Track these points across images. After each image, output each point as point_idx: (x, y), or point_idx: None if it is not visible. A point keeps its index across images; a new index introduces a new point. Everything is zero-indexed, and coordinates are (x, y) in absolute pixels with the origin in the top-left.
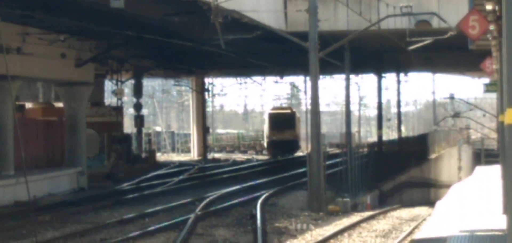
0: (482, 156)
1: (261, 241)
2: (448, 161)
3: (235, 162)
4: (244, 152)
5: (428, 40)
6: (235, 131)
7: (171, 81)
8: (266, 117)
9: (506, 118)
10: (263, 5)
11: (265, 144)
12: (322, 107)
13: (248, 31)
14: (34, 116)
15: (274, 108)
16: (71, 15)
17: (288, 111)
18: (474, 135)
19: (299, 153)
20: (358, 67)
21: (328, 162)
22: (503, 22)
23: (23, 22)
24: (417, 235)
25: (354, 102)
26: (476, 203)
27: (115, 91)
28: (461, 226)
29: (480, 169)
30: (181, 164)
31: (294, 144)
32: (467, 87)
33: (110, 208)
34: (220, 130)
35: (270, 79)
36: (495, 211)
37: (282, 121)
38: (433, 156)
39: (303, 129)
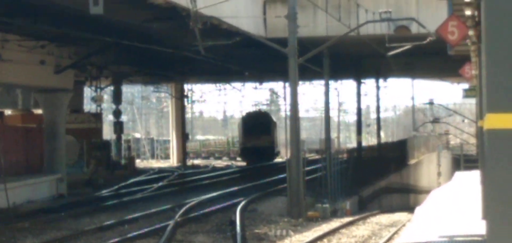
0: (461, 162)
1: None
2: (427, 166)
3: (214, 168)
4: (218, 158)
5: (407, 46)
6: (213, 137)
7: (151, 88)
8: (239, 122)
9: (485, 124)
10: (242, 11)
11: (239, 151)
12: (302, 113)
13: (227, 37)
14: (13, 123)
15: (248, 113)
16: (50, 22)
17: (264, 115)
18: (453, 141)
19: (278, 159)
20: (338, 72)
21: (307, 168)
22: (482, 27)
23: (2, 28)
24: (396, 241)
25: (334, 107)
26: (455, 209)
27: (95, 98)
28: (441, 231)
29: (459, 175)
30: (160, 170)
31: (270, 151)
32: (446, 93)
33: (89, 215)
34: (199, 137)
35: (250, 85)
36: (474, 217)
37: (257, 126)
38: (412, 161)
39: (282, 135)
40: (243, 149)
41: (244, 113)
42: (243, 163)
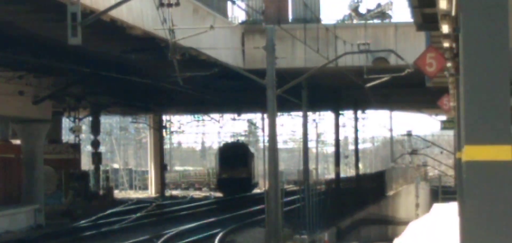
0: (440, 193)
1: None
2: (405, 198)
3: (193, 199)
4: (199, 189)
5: (385, 77)
6: (192, 168)
7: (129, 118)
8: (216, 153)
9: (463, 155)
10: (221, 42)
11: (216, 182)
12: (280, 144)
13: (206, 68)
14: None
15: (225, 143)
16: (28, 52)
17: (241, 146)
18: (432, 172)
19: (257, 190)
20: (316, 104)
21: (286, 199)
22: (460, 59)
23: None
24: None
25: (312, 139)
26: (433, 240)
27: (73, 128)
28: None
29: (437, 206)
30: (138, 201)
31: (246, 182)
32: (425, 124)
33: None
34: (177, 167)
35: (228, 116)
36: None
37: (234, 157)
38: (390, 193)
39: (260, 166)
40: (220, 180)
41: (221, 144)
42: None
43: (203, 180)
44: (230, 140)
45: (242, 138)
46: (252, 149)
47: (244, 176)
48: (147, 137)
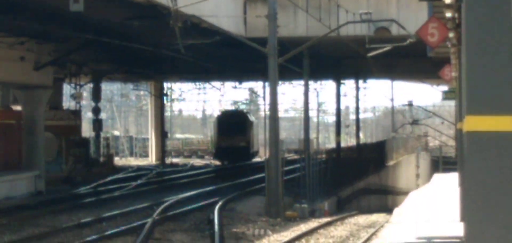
0: (440, 164)
1: None
2: (406, 168)
3: (193, 167)
4: (201, 157)
5: (387, 47)
6: (192, 136)
7: (130, 85)
8: (214, 121)
9: (464, 126)
10: (223, 10)
11: (214, 151)
12: (281, 113)
13: (208, 36)
14: None
15: (224, 111)
16: (30, 18)
17: (239, 114)
18: (432, 143)
19: (257, 159)
20: (317, 73)
21: (286, 168)
22: (462, 29)
23: None
24: (374, 242)
25: (313, 108)
26: (433, 210)
27: (74, 95)
28: (419, 232)
29: (438, 177)
30: (139, 168)
31: (245, 151)
32: (426, 95)
33: (67, 212)
34: (178, 135)
35: (229, 84)
36: (453, 218)
37: (232, 125)
38: (391, 163)
39: (261, 135)
40: (218, 149)
41: (219, 112)
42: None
43: (206, 148)
44: (230, 108)
45: (243, 106)
46: (252, 118)
47: (243, 144)
48: (148, 104)
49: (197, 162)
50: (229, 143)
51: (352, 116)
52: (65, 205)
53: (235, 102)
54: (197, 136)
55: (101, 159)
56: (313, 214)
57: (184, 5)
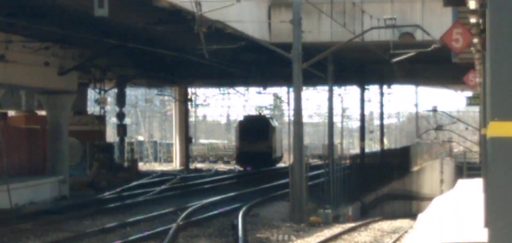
0: (464, 169)
1: None
2: (430, 174)
3: (217, 172)
4: (228, 162)
5: (411, 53)
6: (216, 141)
7: (154, 91)
8: (236, 126)
9: (488, 131)
10: (247, 16)
11: (235, 156)
12: (305, 119)
13: (232, 41)
14: (17, 124)
15: (246, 116)
16: (55, 23)
17: (261, 119)
18: (457, 148)
19: (281, 164)
20: (342, 78)
21: (310, 174)
22: (486, 35)
23: (6, 29)
24: None
25: (337, 113)
26: (457, 216)
27: (98, 100)
28: (443, 238)
29: (462, 182)
30: (163, 173)
31: (267, 157)
32: (450, 100)
33: (91, 217)
34: (202, 140)
35: (253, 89)
36: (477, 224)
37: (254, 130)
38: (415, 168)
39: (285, 140)
40: (239, 154)
41: (241, 117)
42: (251, 168)
43: (232, 154)
44: (253, 113)
45: (267, 112)
46: (274, 123)
47: (265, 150)
48: (172, 109)
49: (221, 167)
50: (251, 148)
51: (376, 122)
52: (89, 210)
53: (259, 107)
54: (222, 142)
55: (125, 164)
56: (337, 220)
57: (209, 10)
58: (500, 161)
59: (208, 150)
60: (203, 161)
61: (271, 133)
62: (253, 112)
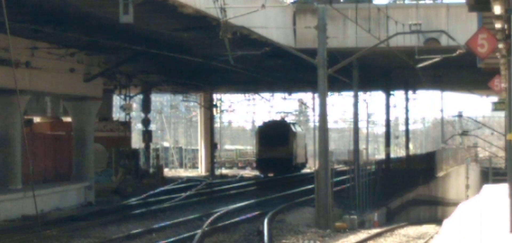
0: (490, 175)
1: None
2: (455, 179)
3: (242, 178)
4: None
5: (436, 58)
6: (242, 147)
7: (179, 97)
8: (256, 131)
9: None
10: (272, 22)
11: (255, 162)
12: (330, 124)
13: (257, 47)
14: (42, 131)
15: (266, 122)
16: (80, 30)
17: (282, 125)
18: (482, 154)
19: (306, 170)
20: (367, 84)
21: (335, 179)
22: None
23: (32, 36)
24: None
25: (362, 119)
26: (483, 222)
27: (123, 106)
28: None
29: (487, 188)
30: (188, 179)
31: (287, 163)
32: (475, 105)
33: (117, 223)
34: (228, 146)
35: (278, 95)
36: (502, 230)
37: (274, 136)
38: (440, 174)
39: (311, 146)
40: (259, 160)
41: (261, 123)
42: (271, 174)
43: None
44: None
45: (292, 117)
46: (296, 128)
47: (285, 156)
48: (198, 115)
49: (246, 173)
50: (271, 154)
51: (402, 127)
52: (115, 216)
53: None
54: (249, 147)
55: (151, 170)
56: (362, 225)
57: (234, 16)
58: None
59: (237, 156)
60: (231, 167)
61: (291, 138)
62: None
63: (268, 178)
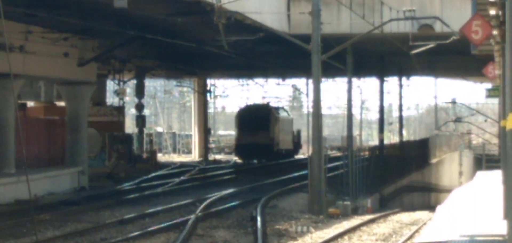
0: (483, 161)
1: (261, 242)
2: (449, 165)
3: (235, 164)
4: None
5: (430, 45)
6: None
7: (173, 82)
8: (235, 116)
9: (507, 124)
10: (266, 7)
11: (234, 148)
12: (324, 110)
13: (251, 32)
14: (36, 115)
15: (246, 106)
16: (74, 14)
17: (263, 109)
18: (476, 140)
19: (300, 156)
20: (361, 70)
21: (329, 165)
22: (506, 27)
23: (26, 20)
24: (417, 239)
25: (356, 105)
26: (476, 208)
27: (117, 91)
28: (462, 230)
29: (481, 174)
30: (182, 165)
31: (268, 149)
32: (469, 92)
33: (110, 208)
34: (221, 132)
35: (272, 81)
36: (496, 216)
37: (254, 121)
38: (434, 160)
39: (304, 131)
40: (238, 146)
41: (241, 107)
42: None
43: None
44: (275, 105)
45: (285, 103)
46: (280, 113)
47: (265, 141)
48: (191, 100)
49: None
50: (250, 139)
51: (395, 113)
52: (108, 201)
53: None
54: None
55: (144, 155)
56: (355, 211)
57: (228, 2)
58: None
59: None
60: (230, 153)
61: (273, 123)
62: (274, 104)
63: (263, 163)
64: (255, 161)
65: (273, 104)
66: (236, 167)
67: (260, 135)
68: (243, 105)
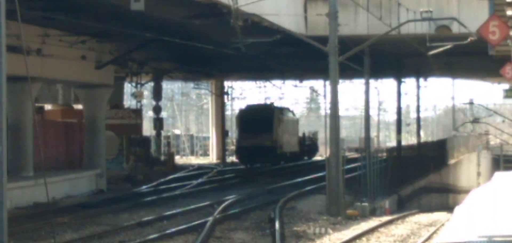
0: (501, 162)
1: None
2: (467, 166)
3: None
4: None
5: (448, 45)
6: None
7: (191, 84)
8: (237, 117)
9: None
10: (283, 9)
11: (235, 150)
12: (342, 112)
13: (268, 34)
14: (54, 118)
15: (248, 106)
16: (91, 17)
17: (266, 109)
18: (493, 141)
19: (318, 157)
20: (378, 71)
21: (347, 167)
22: None
23: (43, 23)
24: (435, 240)
25: (374, 106)
26: (495, 209)
27: (135, 94)
28: (480, 231)
29: (499, 175)
30: (199, 167)
31: (271, 152)
32: (487, 93)
33: (128, 210)
34: None
35: (290, 83)
36: None
37: (256, 122)
38: (452, 161)
39: (321, 133)
40: (238, 149)
41: (243, 107)
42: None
43: None
44: (294, 108)
45: (304, 105)
46: (285, 113)
47: (267, 144)
48: (209, 103)
49: None
50: (252, 142)
51: (413, 115)
52: (126, 203)
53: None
54: None
55: (162, 157)
56: (373, 213)
57: (245, 4)
58: None
59: None
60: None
61: (276, 124)
62: (294, 107)
63: (280, 166)
64: (258, 165)
65: (279, 104)
66: (238, 172)
67: (263, 137)
68: (246, 105)
